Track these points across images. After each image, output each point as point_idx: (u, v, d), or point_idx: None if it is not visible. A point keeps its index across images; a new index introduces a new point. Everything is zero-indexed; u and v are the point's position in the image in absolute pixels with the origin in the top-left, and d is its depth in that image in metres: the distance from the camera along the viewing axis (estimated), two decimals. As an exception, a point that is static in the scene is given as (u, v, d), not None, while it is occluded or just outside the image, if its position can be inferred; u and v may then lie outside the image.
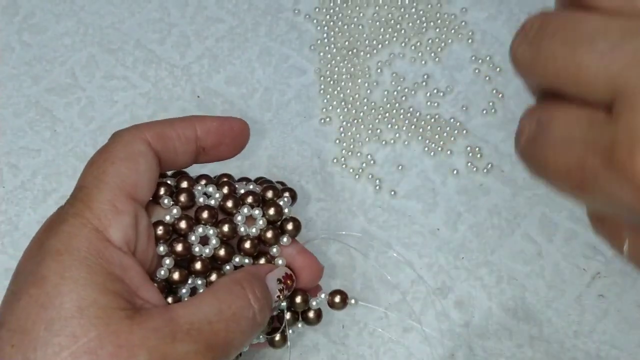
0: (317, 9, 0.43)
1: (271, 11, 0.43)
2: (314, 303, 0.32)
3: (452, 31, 0.42)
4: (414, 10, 0.43)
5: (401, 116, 0.40)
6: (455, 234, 0.38)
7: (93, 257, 0.25)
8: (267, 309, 0.28)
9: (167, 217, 0.29)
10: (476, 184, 0.39)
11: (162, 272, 0.29)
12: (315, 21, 0.43)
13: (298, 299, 0.31)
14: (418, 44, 0.42)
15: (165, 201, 0.29)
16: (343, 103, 0.41)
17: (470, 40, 0.42)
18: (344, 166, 0.39)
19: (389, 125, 0.40)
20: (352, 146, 0.40)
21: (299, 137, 0.40)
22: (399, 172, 0.39)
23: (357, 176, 0.39)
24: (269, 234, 0.31)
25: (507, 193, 0.38)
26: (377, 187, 0.39)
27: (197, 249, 0.30)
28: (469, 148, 0.39)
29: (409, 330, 0.36)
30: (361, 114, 0.41)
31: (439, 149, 0.40)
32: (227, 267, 0.30)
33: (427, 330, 0.36)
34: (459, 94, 0.41)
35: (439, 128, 0.40)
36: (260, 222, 0.31)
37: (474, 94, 0.41)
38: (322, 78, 0.41)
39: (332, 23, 0.43)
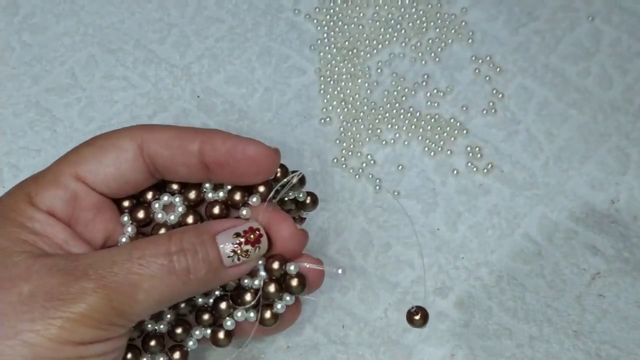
0: (317, 9, 0.43)
1: (271, 11, 0.43)
2: (292, 267, 0.29)
3: (452, 31, 0.42)
4: (414, 10, 0.43)
5: (401, 116, 0.40)
6: (455, 234, 0.38)
7: (13, 211, 0.27)
8: (195, 260, 0.26)
9: (123, 239, 0.29)
10: (476, 184, 0.39)
11: (124, 240, 0.29)
12: (315, 21, 0.43)
13: (275, 265, 0.29)
14: (418, 44, 0.42)
15: (125, 219, 0.30)
16: (343, 103, 0.41)
17: (470, 40, 0.42)
18: (344, 166, 0.39)
19: (389, 125, 0.40)
20: (352, 146, 0.40)
21: (299, 137, 0.40)
22: (399, 172, 0.39)
23: (357, 176, 0.39)
24: (237, 196, 0.29)
25: (507, 193, 0.38)
26: (377, 187, 0.39)
27: (159, 216, 0.29)
28: (469, 148, 0.39)
29: (409, 330, 0.36)
30: (361, 114, 0.41)
31: (439, 149, 0.40)
32: None
33: (427, 330, 0.36)
34: (459, 94, 0.41)
35: (439, 128, 0.40)
36: (229, 186, 0.29)
37: (474, 94, 0.41)
38: (322, 78, 0.41)
39: (332, 23, 0.43)
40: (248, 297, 0.29)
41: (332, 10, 0.43)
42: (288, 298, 0.30)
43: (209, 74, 0.41)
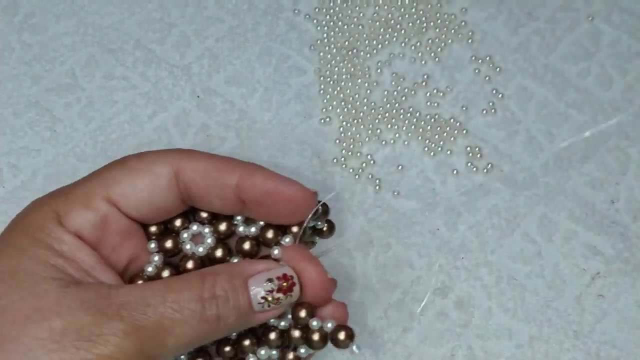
0: (317, 9, 0.43)
1: (271, 11, 0.43)
2: (314, 323, 0.28)
3: (452, 31, 0.42)
4: (414, 10, 0.43)
5: (401, 116, 0.40)
6: (455, 234, 0.38)
7: (41, 232, 0.26)
8: (225, 307, 0.26)
9: (149, 269, 0.28)
10: (476, 184, 0.39)
11: (150, 269, 0.28)
12: (315, 21, 0.43)
13: (302, 313, 0.28)
14: (418, 44, 0.42)
15: (152, 245, 0.29)
16: (343, 103, 0.41)
17: (470, 40, 0.42)
18: (344, 166, 0.39)
19: (389, 125, 0.40)
20: (352, 146, 0.40)
21: (299, 137, 0.40)
22: (399, 172, 0.39)
23: (357, 176, 0.39)
24: (269, 234, 0.29)
25: (507, 193, 0.38)
26: (377, 187, 0.39)
27: (188, 247, 0.28)
28: (469, 148, 0.39)
29: (409, 330, 0.36)
30: (361, 114, 0.41)
31: (439, 149, 0.40)
32: None
33: (427, 330, 0.36)
34: (459, 94, 0.41)
35: (439, 128, 0.40)
36: (261, 222, 0.29)
37: (474, 94, 0.41)
38: (322, 78, 0.41)
39: (332, 23, 0.43)
40: (272, 335, 0.28)
41: (332, 10, 0.43)
42: (303, 350, 0.29)
43: (209, 74, 0.41)
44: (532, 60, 0.41)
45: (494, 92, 0.41)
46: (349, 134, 0.40)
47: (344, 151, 0.40)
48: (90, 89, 0.41)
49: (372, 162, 0.39)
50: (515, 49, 0.42)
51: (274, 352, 0.28)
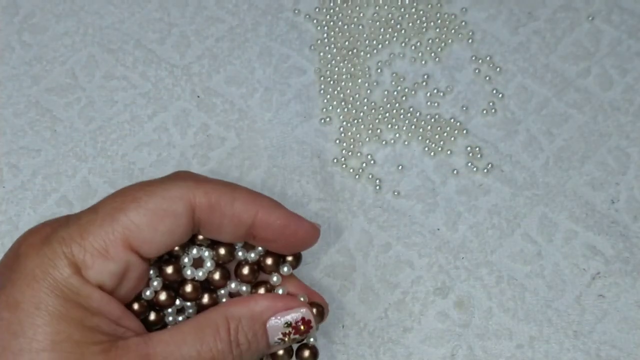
0: (317, 9, 0.43)
1: (271, 11, 0.43)
2: (311, 340, 0.30)
3: (452, 31, 0.42)
4: (414, 10, 0.43)
5: (401, 116, 0.40)
6: (455, 234, 0.38)
7: (69, 290, 0.24)
8: (249, 353, 0.27)
9: (147, 292, 0.28)
10: (476, 184, 0.39)
11: (148, 293, 0.28)
12: (315, 21, 0.43)
13: (269, 261, 0.29)
14: (418, 44, 0.42)
15: (151, 272, 0.28)
16: (343, 103, 0.41)
17: (470, 40, 0.42)
18: (344, 166, 0.39)
19: (389, 125, 0.40)
20: (352, 146, 0.40)
21: (299, 137, 0.40)
22: (399, 172, 0.39)
23: (357, 176, 0.39)
24: (269, 261, 0.29)
25: (507, 193, 0.38)
26: (377, 187, 0.39)
27: (188, 272, 0.28)
28: (469, 148, 0.39)
29: (409, 330, 0.36)
30: (361, 114, 0.41)
31: (439, 149, 0.40)
32: (222, 292, 0.29)
33: (427, 330, 0.36)
34: (459, 94, 0.41)
35: (439, 128, 0.40)
36: (260, 248, 0.29)
37: (474, 94, 0.41)
38: (322, 78, 0.41)
39: (332, 23, 0.43)
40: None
41: (332, 10, 0.43)
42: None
43: (209, 74, 0.41)
44: (532, 60, 0.41)
45: (494, 92, 0.41)
46: (349, 134, 0.40)
47: (344, 151, 0.40)
48: (90, 89, 0.41)
49: (372, 162, 0.39)
50: (515, 49, 0.42)
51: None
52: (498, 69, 0.41)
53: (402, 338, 0.36)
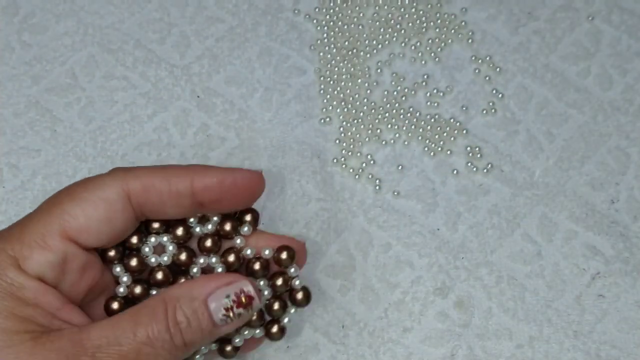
0: (317, 9, 0.43)
1: (271, 11, 0.43)
2: (297, 282, 0.30)
3: (452, 31, 0.42)
4: (414, 10, 0.43)
5: (401, 116, 0.40)
6: (455, 234, 0.38)
7: (3, 281, 0.25)
8: (189, 332, 0.27)
9: (121, 290, 0.28)
10: (476, 184, 0.39)
11: (121, 290, 0.28)
12: (315, 21, 0.43)
13: (279, 282, 0.29)
14: (418, 44, 0.42)
15: (117, 269, 0.29)
16: (343, 103, 0.41)
17: (470, 40, 0.42)
18: (344, 166, 0.39)
19: (389, 125, 0.40)
20: (352, 146, 0.40)
21: (298, 137, 0.40)
22: (399, 172, 0.39)
23: (357, 176, 0.39)
24: (227, 226, 0.29)
25: (507, 193, 0.38)
26: (377, 187, 0.39)
27: (153, 260, 0.29)
28: (469, 148, 0.39)
29: (409, 330, 0.36)
30: (361, 114, 0.41)
31: (439, 149, 0.40)
32: (195, 270, 0.29)
33: (427, 330, 0.36)
34: (459, 94, 0.41)
35: (439, 128, 0.40)
36: (215, 218, 0.29)
37: (474, 94, 0.41)
38: (322, 78, 0.41)
39: (332, 23, 0.43)
40: (254, 316, 0.29)
41: (332, 10, 0.43)
42: (293, 310, 0.31)
43: (209, 74, 0.41)
44: (532, 60, 0.41)
45: (494, 92, 0.41)
46: (349, 134, 0.40)
47: (344, 151, 0.40)
48: (90, 89, 0.41)
49: (372, 162, 0.39)
50: (515, 49, 0.42)
51: (258, 330, 0.30)
52: (498, 69, 0.41)
53: (402, 338, 0.36)
